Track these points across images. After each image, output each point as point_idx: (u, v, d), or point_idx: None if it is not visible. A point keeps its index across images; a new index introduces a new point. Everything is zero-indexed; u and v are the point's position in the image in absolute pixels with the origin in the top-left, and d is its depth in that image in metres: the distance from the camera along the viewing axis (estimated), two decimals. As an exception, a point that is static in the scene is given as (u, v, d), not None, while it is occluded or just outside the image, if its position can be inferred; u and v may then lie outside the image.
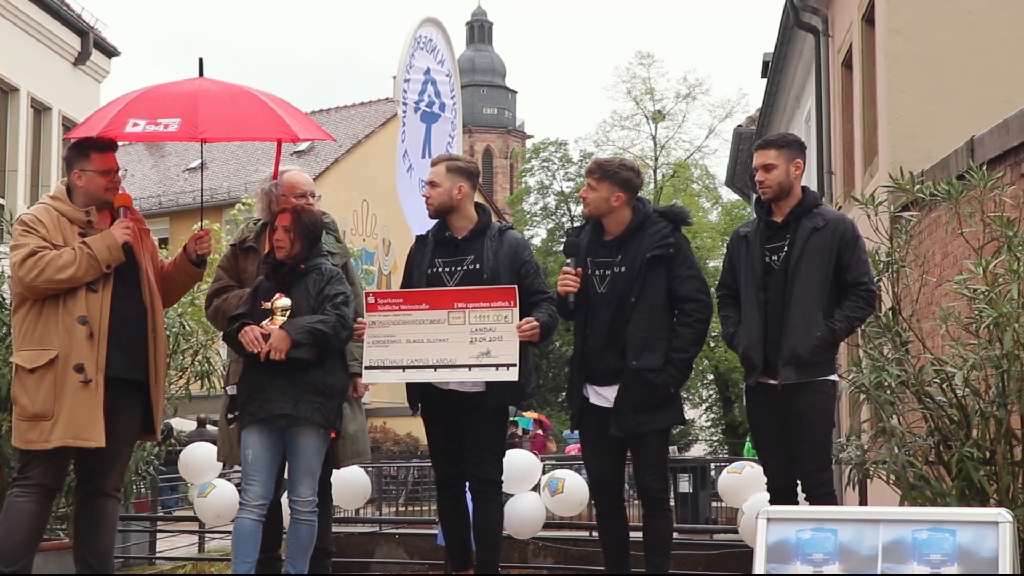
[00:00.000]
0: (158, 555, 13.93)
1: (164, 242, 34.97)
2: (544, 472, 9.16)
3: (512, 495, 8.58)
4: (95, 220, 6.46)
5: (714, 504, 19.98)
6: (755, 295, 6.24)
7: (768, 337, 6.18)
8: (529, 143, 76.82)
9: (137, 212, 6.79)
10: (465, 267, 6.63)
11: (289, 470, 6.54)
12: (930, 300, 8.20)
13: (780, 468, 6.31)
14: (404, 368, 6.56)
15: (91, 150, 6.52)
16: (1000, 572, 3.75)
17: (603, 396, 6.41)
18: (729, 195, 49.99)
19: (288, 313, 6.42)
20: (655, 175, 57.50)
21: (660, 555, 6.40)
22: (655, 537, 6.41)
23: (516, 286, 6.45)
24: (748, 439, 38.34)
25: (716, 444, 51.99)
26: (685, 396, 48.21)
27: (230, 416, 6.72)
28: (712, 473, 20.22)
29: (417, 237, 6.90)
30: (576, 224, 6.69)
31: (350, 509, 10.08)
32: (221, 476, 9.39)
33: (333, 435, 6.62)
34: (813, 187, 17.92)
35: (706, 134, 60.92)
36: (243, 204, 28.34)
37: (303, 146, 40.34)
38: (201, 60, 6.96)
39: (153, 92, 6.91)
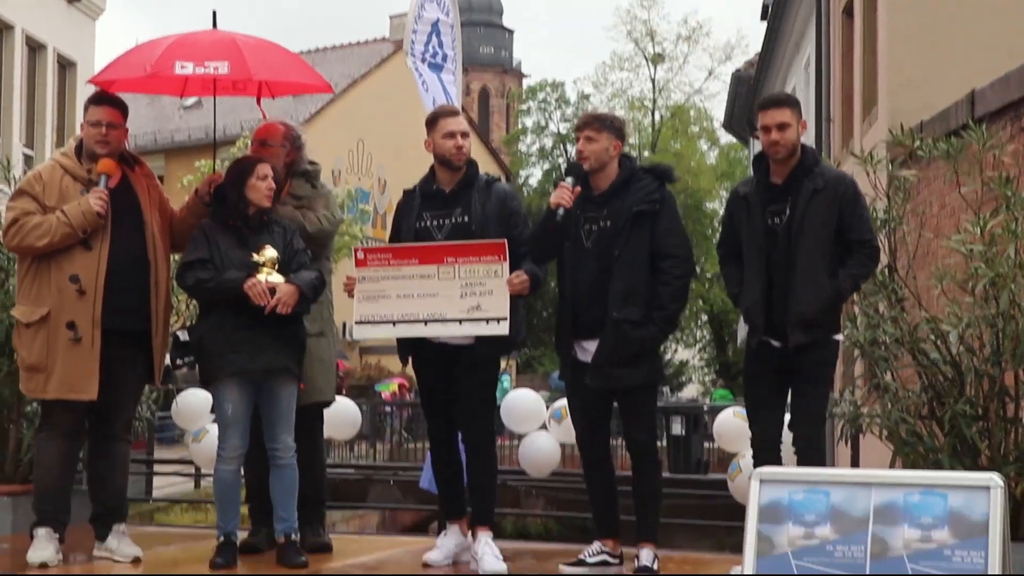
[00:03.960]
0: (155, 496, 14.06)
1: (160, 179, 34.82)
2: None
3: (524, 434, 8.71)
4: (98, 170, 6.52)
5: (706, 445, 20.11)
6: (757, 257, 6.22)
7: (771, 299, 6.17)
8: (526, 83, 76.49)
9: (146, 166, 6.92)
10: (453, 220, 6.61)
11: (266, 420, 6.57)
12: (927, 252, 8.20)
13: (770, 425, 6.32)
14: (395, 323, 6.57)
15: (89, 103, 6.66)
16: (990, 537, 3.78)
17: (588, 351, 6.42)
18: (727, 137, 49.86)
19: (276, 265, 6.46)
20: (653, 117, 57.36)
21: (649, 506, 6.44)
22: (643, 489, 6.45)
23: (506, 240, 6.44)
24: (716, 391, 38.52)
25: (709, 384, 52.18)
26: (679, 336, 48.35)
27: (180, 362, 6.72)
28: (705, 417, 20.32)
29: (404, 191, 6.87)
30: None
31: (341, 440, 10.12)
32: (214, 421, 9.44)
33: (302, 387, 6.67)
34: (812, 134, 17.90)
35: (705, 76, 60.73)
36: (243, 141, 28.28)
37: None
38: (215, 12, 7.01)
39: (187, 39, 6.99)
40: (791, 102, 6.39)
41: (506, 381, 33.15)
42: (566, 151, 58.40)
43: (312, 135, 7.42)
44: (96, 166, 6.53)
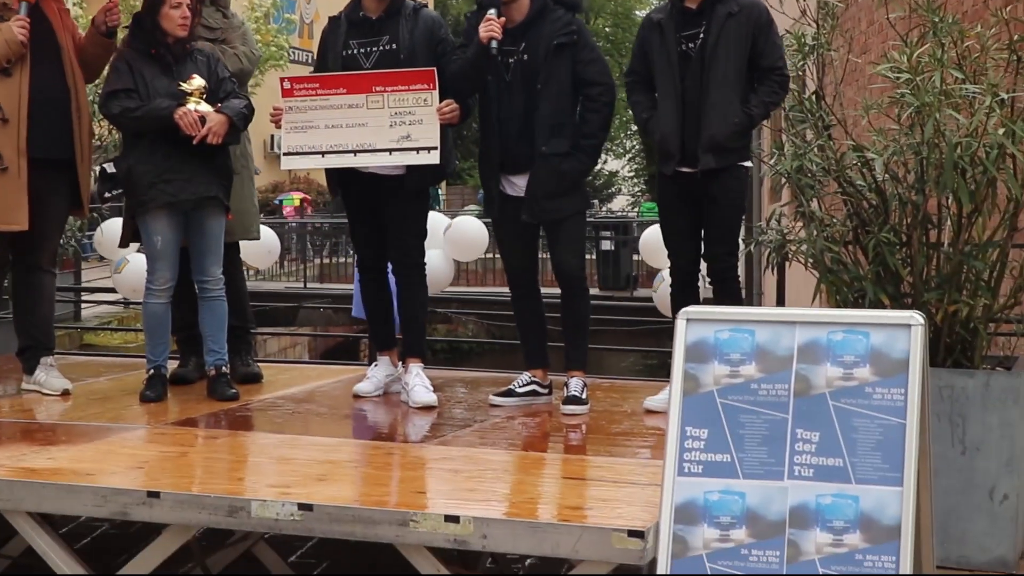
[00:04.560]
0: (83, 318, 14.07)
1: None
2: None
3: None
4: (11, 2, 6.42)
5: (635, 259, 20.22)
6: (671, 83, 6.24)
7: (684, 125, 6.20)
8: None
9: None
10: (381, 47, 6.52)
11: (195, 252, 6.54)
12: (855, 70, 8.18)
13: (687, 252, 6.46)
14: (323, 153, 6.52)
15: None
16: (910, 373, 3.85)
17: (516, 185, 6.42)
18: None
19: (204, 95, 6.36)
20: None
21: (578, 334, 6.53)
22: (572, 317, 6.52)
23: (435, 68, 6.36)
24: (644, 204, 38.66)
25: (638, 195, 52.33)
26: (609, 147, 48.26)
27: (108, 195, 6.68)
28: (635, 230, 20.40)
29: (330, 18, 6.74)
30: None
31: (261, 268, 10.07)
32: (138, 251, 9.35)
33: (230, 216, 6.62)
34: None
35: None
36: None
37: None
38: None
39: None
40: None
41: (438, 194, 33.05)
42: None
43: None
44: None
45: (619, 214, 38.74)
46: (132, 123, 6.44)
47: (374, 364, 6.92)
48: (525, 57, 6.34)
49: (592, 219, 21.82)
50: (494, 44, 6.22)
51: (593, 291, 9.03)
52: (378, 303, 6.86)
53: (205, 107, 6.37)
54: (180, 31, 6.42)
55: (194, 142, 6.28)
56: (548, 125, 6.28)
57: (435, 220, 8.72)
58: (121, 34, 6.77)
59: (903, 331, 3.93)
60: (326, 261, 25.00)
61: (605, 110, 6.42)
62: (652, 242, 8.49)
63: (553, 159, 6.27)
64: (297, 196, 33.50)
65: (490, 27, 6.22)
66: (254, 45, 7.17)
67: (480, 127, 6.61)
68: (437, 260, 8.39)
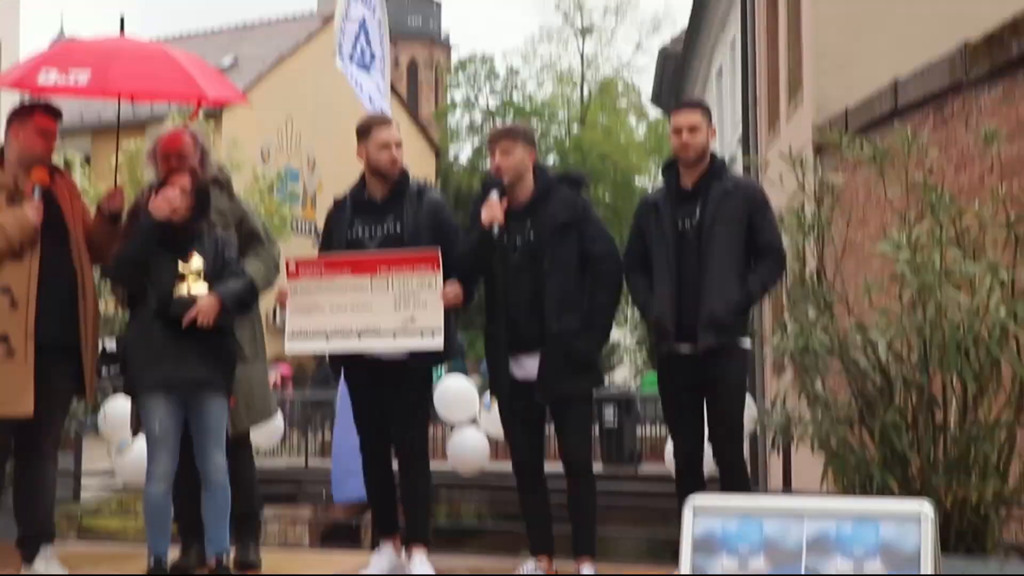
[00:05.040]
0: (82, 497, 13.97)
1: (87, 159, 34.42)
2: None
3: (451, 426, 8.61)
4: (23, 185, 6.46)
5: (638, 433, 20.11)
6: (667, 262, 6.29)
7: (681, 304, 6.22)
8: (455, 56, 76.13)
9: (68, 176, 6.85)
10: (385, 230, 6.55)
11: (196, 437, 6.44)
12: (854, 246, 8.22)
13: (689, 435, 6.44)
14: (328, 336, 6.49)
15: (31, 108, 6.57)
16: (921, 567, 3.79)
17: (524, 367, 6.38)
18: (656, 112, 49.92)
19: (202, 276, 6.35)
20: (582, 91, 57.33)
21: (586, 521, 6.43)
22: (580, 505, 6.42)
23: (439, 249, 6.38)
24: (646, 376, 38.57)
25: (641, 365, 52.27)
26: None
27: (105, 372, 6.63)
28: (638, 405, 20.32)
29: (335, 200, 6.79)
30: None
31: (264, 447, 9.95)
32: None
33: (232, 401, 6.57)
34: (738, 115, 17.97)
35: (633, 49, 60.74)
36: (170, 122, 27.94)
37: (227, 62, 39.85)
38: (122, 19, 6.97)
39: (72, 44, 7.13)
40: (703, 107, 6.58)
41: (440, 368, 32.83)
42: (496, 126, 58.16)
43: (240, 114, 7.37)
44: (29, 176, 6.43)
45: (622, 387, 38.57)
46: (125, 265, 6.37)
47: (376, 551, 6.81)
48: (531, 237, 6.38)
49: (595, 394, 21.70)
50: (496, 227, 6.27)
51: (597, 467, 8.94)
52: (381, 486, 6.78)
53: (201, 288, 6.34)
54: (162, 215, 6.36)
55: (183, 324, 6.26)
56: (557, 303, 6.28)
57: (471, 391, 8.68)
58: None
59: (913, 523, 3.89)
60: (329, 438, 24.75)
61: (614, 286, 6.44)
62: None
63: (565, 338, 6.26)
64: (276, 370, 33.21)
65: (492, 211, 6.27)
66: (261, 227, 7.13)
67: (487, 308, 6.58)
68: (472, 439, 8.35)
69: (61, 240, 6.53)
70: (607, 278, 6.40)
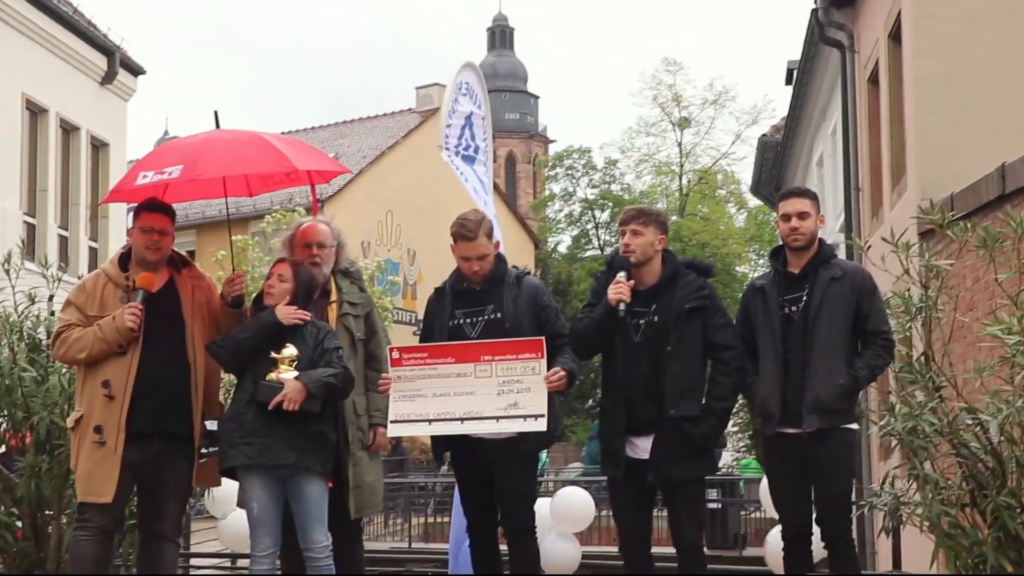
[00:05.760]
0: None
1: (192, 254, 35.17)
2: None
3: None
4: (136, 283, 6.67)
5: (742, 516, 19.95)
6: (773, 346, 6.32)
7: (786, 387, 6.24)
8: (552, 149, 76.81)
9: (195, 268, 7.09)
10: (486, 317, 6.65)
11: (297, 518, 6.56)
12: (963, 330, 8.17)
13: (796, 515, 6.44)
14: (430, 421, 6.58)
15: (140, 209, 6.86)
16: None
17: (637, 447, 6.42)
18: (755, 201, 49.82)
19: (295, 363, 6.48)
20: (681, 181, 57.42)
21: None
22: None
23: (543, 338, 6.46)
24: (742, 461, 38.22)
25: (744, 449, 51.81)
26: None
27: (205, 452, 6.74)
28: (741, 487, 20.15)
29: (435, 289, 6.92)
30: (608, 257, 6.71)
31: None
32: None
33: (331, 484, 6.66)
34: (841, 203, 17.89)
35: (732, 140, 60.74)
36: (271, 216, 28.46)
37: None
38: (216, 113, 7.16)
39: (167, 145, 7.37)
40: (810, 195, 6.67)
41: (543, 454, 32.82)
42: (594, 217, 58.45)
43: (341, 207, 7.56)
44: (137, 278, 6.67)
45: (724, 470, 38.27)
46: (228, 355, 6.61)
47: None
48: (656, 319, 6.43)
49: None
50: (622, 306, 6.33)
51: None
52: (488, 566, 6.82)
53: (290, 375, 6.47)
54: (267, 299, 6.61)
55: (269, 407, 6.39)
56: (677, 388, 6.32)
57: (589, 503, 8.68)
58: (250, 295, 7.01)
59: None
60: (431, 520, 24.88)
61: (736, 374, 6.44)
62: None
63: (684, 423, 6.28)
64: None
65: (619, 289, 6.35)
66: (380, 320, 7.32)
67: (603, 387, 6.66)
68: (556, 544, 8.35)
69: (174, 333, 6.75)
70: (730, 365, 6.43)
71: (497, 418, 6.44)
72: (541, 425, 6.39)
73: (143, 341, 6.60)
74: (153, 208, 6.81)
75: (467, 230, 6.69)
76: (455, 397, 6.52)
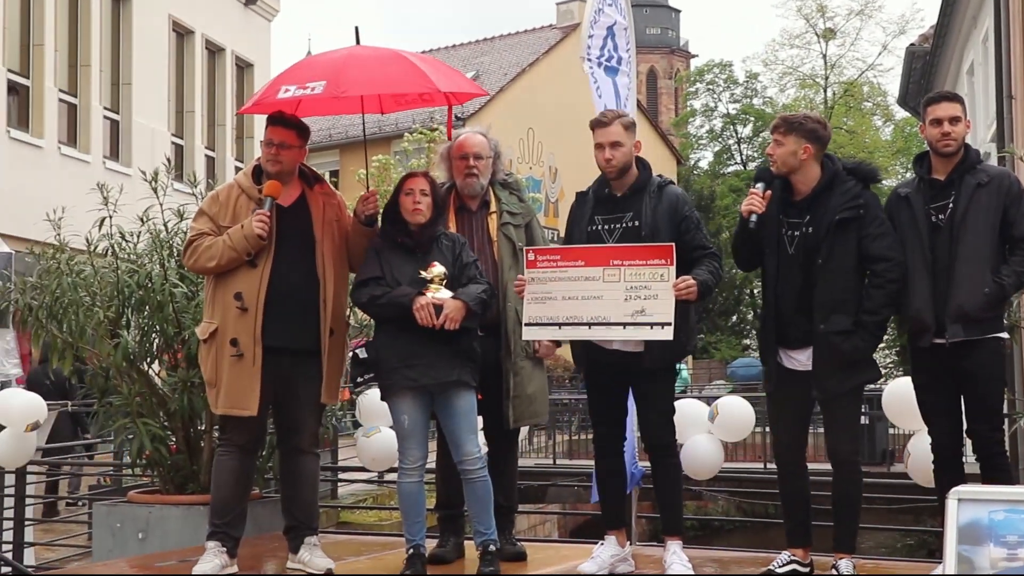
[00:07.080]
0: (339, 495, 14.39)
1: (335, 173, 35.56)
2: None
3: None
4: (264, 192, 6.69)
5: (891, 431, 19.66)
6: (922, 255, 6.12)
7: (937, 297, 6.08)
8: (693, 64, 75.76)
9: (327, 185, 7.05)
10: (624, 224, 6.55)
11: (447, 432, 6.62)
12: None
13: (947, 430, 6.26)
14: (560, 325, 6.51)
15: (267, 123, 6.83)
16: None
17: (794, 359, 6.30)
18: (901, 113, 48.74)
19: (444, 280, 6.49)
20: (826, 94, 56.35)
21: (848, 516, 6.28)
22: (846, 499, 6.26)
23: (673, 244, 6.33)
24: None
25: (891, 365, 51.14)
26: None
27: (360, 380, 6.76)
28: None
29: (577, 194, 6.84)
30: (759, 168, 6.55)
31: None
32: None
33: (480, 396, 6.70)
34: (992, 112, 17.41)
35: (879, 51, 59.38)
36: (410, 135, 28.59)
37: (468, 76, 40.45)
38: (357, 29, 7.09)
39: (309, 60, 7.23)
40: (960, 99, 6.39)
41: (684, 371, 32.75)
42: (736, 133, 57.76)
43: (482, 125, 7.43)
44: (264, 187, 6.69)
45: (872, 388, 37.85)
46: (378, 310, 6.63)
47: (600, 543, 6.76)
48: (809, 230, 6.27)
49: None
50: (754, 218, 6.23)
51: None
52: (611, 481, 6.81)
53: (444, 294, 6.47)
54: (416, 217, 6.61)
55: (435, 328, 6.44)
56: (828, 301, 6.15)
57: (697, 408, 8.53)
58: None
59: None
60: (575, 437, 25.05)
61: (891, 287, 6.17)
62: (894, 404, 8.03)
63: (833, 338, 6.14)
64: None
65: (751, 201, 6.24)
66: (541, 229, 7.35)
67: (763, 299, 6.60)
68: (705, 445, 8.22)
69: (305, 249, 6.74)
70: (883, 277, 6.17)
71: (624, 324, 6.35)
72: (668, 334, 6.26)
73: (274, 254, 6.62)
74: (275, 121, 6.78)
75: (603, 116, 6.64)
76: (583, 301, 6.45)
